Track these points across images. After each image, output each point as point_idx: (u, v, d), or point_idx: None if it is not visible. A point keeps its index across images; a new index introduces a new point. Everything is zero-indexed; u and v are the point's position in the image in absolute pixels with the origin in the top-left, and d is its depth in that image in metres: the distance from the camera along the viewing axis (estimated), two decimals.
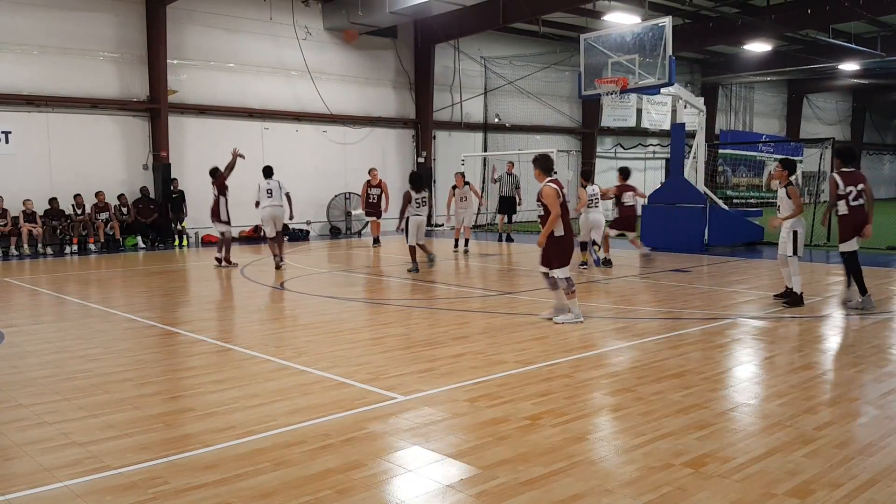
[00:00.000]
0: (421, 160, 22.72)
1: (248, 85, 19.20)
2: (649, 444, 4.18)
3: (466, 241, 15.64)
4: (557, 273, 7.64)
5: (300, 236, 19.44)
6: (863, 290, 8.51)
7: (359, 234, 20.94)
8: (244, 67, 19.10)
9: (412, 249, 12.26)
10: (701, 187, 15.93)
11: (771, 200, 30.71)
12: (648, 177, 29.72)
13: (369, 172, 17.11)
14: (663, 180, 24.13)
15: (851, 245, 8.60)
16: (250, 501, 3.47)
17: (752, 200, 29.77)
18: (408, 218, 12.12)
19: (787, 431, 4.39)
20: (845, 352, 6.69)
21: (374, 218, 17.04)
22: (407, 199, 12.14)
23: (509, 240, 18.26)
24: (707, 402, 5.01)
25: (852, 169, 8.84)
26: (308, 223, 20.29)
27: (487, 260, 14.62)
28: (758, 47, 26.07)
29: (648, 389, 5.30)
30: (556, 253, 7.65)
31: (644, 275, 11.91)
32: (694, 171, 16.33)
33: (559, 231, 7.60)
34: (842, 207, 8.65)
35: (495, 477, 3.73)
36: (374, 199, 16.76)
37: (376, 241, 17.04)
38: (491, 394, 5.21)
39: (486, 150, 24.58)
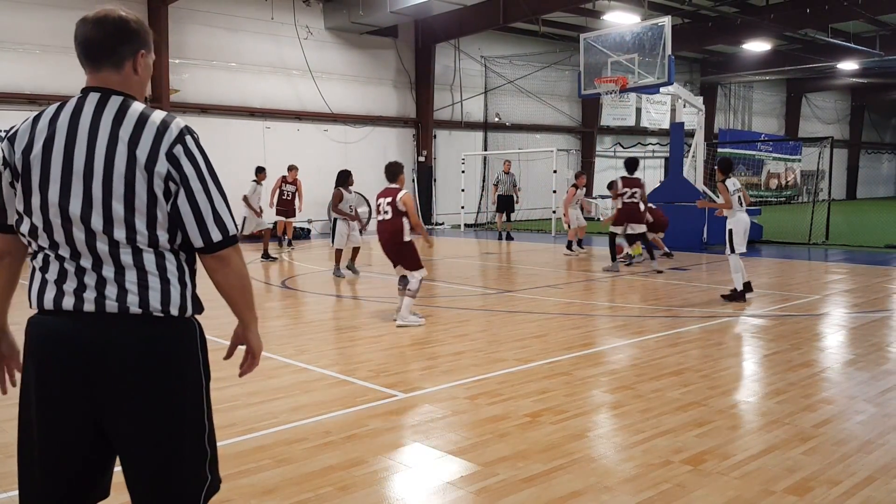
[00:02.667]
0: (421, 159, 22.74)
1: (250, 84, 19.21)
2: (648, 442, 4.20)
3: (580, 241, 14.96)
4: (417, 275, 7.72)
5: (301, 235, 19.45)
6: (613, 258, 12.14)
7: (360, 232, 20.92)
8: (245, 67, 19.11)
9: (339, 253, 11.40)
10: (700, 186, 15.96)
11: (770, 199, 30.78)
12: (648, 175, 29.74)
13: (289, 169, 15.62)
14: (662, 179, 24.15)
15: (617, 229, 12.16)
16: (252, 498, 3.49)
17: (750, 199, 29.79)
18: (336, 220, 11.32)
19: (786, 429, 4.41)
20: (843, 349, 6.72)
21: (285, 218, 15.68)
22: (338, 199, 11.22)
23: (509, 238, 18.28)
24: (706, 399, 5.03)
25: (634, 176, 12.01)
26: (309, 221, 20.30)
27: (487, 258, 14.64)
28: (757, 46, 26.08)
29: (647, 387, 5.32)
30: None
31: (643, 273, 11.93)
32: (693, 169, 16.36)
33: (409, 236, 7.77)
34: (619, 202, 12.05)
35: (495, 474, 3.75)
36: (288, 195, 15.48)
37: (288, 242, 16.05)
38: (491, 391, 5.24)
39: (486, 150, 24.62)
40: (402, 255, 7.77)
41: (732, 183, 9.36)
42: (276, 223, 15.76)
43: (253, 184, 14.32)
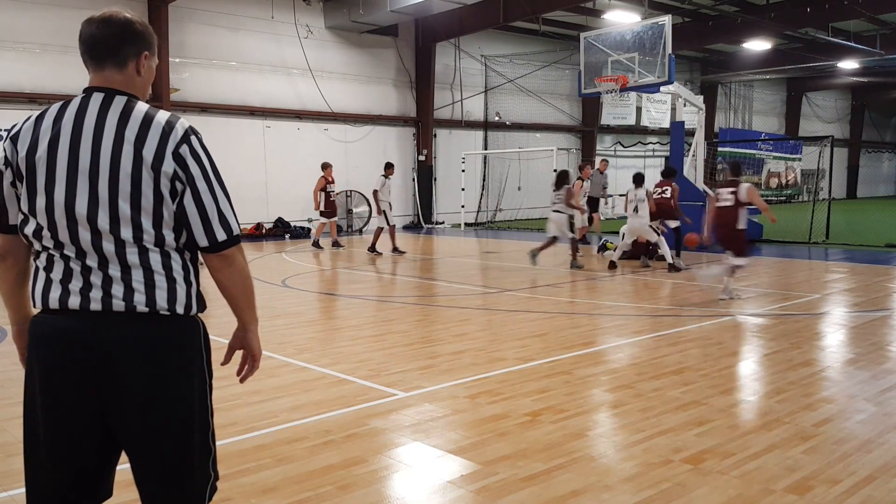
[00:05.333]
0: (421, 158, 22.75)
1: (250, 83, 19.21)
2: (648, 441, 4.20)
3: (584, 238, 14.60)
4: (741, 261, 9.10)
5: (302, 234, 19.47)
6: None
7: (360, 231, 20.96)
8: (246, 66, 19.10)
9: (576, 242, 12.77)
10: (700, 185, 15.96)
11: (771, 199, 30.78)
12: (648, 175, 29.70)
13: (326, 167, 15.67)
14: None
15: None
16: (252, 497, 3.49)
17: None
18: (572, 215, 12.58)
19: (786, 428, 4.41)
20: (844, 348, 6.72)
21: (329, 218, 15.77)
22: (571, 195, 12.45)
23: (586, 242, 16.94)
24: (706, 398, 5.03)
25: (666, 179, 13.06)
26: (310, 220, 20.31)
27: (487, 258, 14.64)
28: (757, 45, 26.07)
29: (647, 386, 5.32)
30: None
31: (643, 272, 11.94)
32: (693, 169, 16.35)
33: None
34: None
35: (495, 473, 3.76)
36: (333, 196, 15.71)
37: (336, 244, 15.88)
38: (491, 390, 5.24)
39: (486, 149, 24.62)
40: (734, 240, 8.91)
41: (634, 193, 11.96)
42: (318, 225, 16.05)
43: (382, 178, 14.55)
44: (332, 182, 15.71)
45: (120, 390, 2.01)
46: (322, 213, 15.75)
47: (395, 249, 14.49)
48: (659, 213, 12.76)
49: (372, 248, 14.52)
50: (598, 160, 16.97)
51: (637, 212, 11.96)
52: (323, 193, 15.54)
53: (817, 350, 6.63)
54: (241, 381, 2.35)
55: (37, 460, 2.11)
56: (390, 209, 14.62)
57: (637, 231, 12.12)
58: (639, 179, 12.07)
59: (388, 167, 14.92)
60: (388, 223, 14.57)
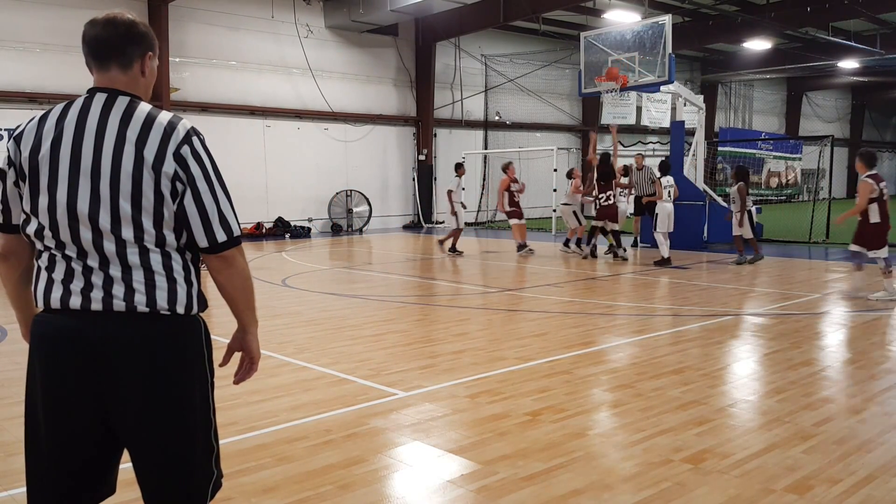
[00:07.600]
0: (422, 157, 22.75)
1: (250, 83, 19.21)
2: (648, 440, 4.21)
3: (578, 240, 14.41)
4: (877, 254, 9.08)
5: (301, 233, 19.48)
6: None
7: (360, 231, 20.96)
8: (246, 65, 19.10)
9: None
10: (700, 185, 15.95)
11: (771, 198, 30.74)
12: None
13: (507, 168, 14.39)
14: None
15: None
16: (252, 496, 3.50)
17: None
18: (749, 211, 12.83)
19: (786, 427, 4.42)
20: (844, 348, 6.72)
21: (519, 220, 14.45)
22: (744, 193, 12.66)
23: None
24: (706, 398, 5.04)
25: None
26: (310, 220, 20.32)
27: (487, 257, 14.64)
28: (757, 45, 26.05)
29: (648, 385, 5.33)
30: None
31: (643, 272, 11.94)
32: (693, 168, 16.35)
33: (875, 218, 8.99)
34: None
35: (495, 472, 3.76)
36: (517, 196, 14.28)
37: (524, 246, 14.50)
38: (491, 390, 5.24)
39: (486, 148, 24.62)
40: (863, 234, 9.09)
41: (667, 179, 12.85)
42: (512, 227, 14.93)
43: (456, 179, 14.43)
44: (517, 181, 14.48)
45: (121, 389, 2.02)
46: (509, 215, 14.55)
47: (453, 249, 14.33)
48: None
49: (452, 249, 14.40)
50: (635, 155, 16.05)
51: (672, 197, 12.86)
52: (507, 194, 14.38)
53: (817, 350, 6.63)
54: (237, 382, 2.36)
55: (38, 459, 2.12)
56: (463, 210, 14.37)
57: (671, 214, 12.79)
58: (665, 168, 13.07)
59: (459, 167, 14.71)
60: (458, 224, 14.21)
